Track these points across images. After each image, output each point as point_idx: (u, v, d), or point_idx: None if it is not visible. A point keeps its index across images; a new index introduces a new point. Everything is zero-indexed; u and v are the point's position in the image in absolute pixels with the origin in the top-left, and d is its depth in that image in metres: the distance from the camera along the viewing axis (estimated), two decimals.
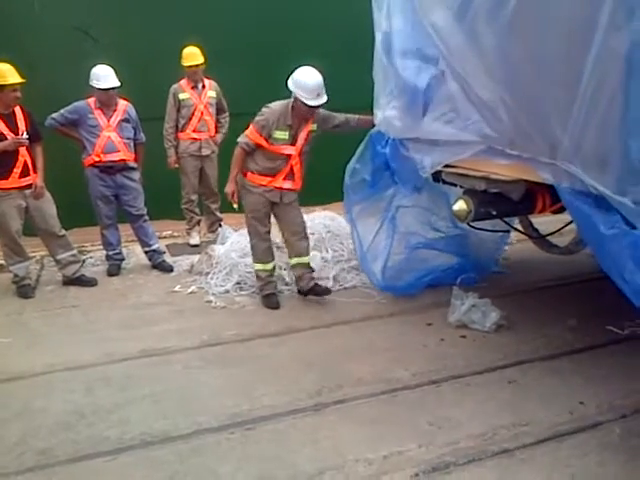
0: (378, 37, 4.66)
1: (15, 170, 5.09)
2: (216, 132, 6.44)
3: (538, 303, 4.88)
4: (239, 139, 4.75)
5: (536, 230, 5.45)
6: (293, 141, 4.69)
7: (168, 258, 6.03)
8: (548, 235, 5.26)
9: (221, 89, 6.42)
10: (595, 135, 2.99)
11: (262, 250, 4.94)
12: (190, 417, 3.37)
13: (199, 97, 6.25)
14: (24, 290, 5.32)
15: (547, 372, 3.81)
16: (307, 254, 5.00)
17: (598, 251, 3.23)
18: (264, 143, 4.64)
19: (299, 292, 5.11)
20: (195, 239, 6.63)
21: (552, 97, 3.20)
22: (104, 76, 5.47)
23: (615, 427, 3.19)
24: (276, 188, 4.77)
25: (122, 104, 5.69)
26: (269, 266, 4.98)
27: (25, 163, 5.14)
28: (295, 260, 4.99)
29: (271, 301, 4.97)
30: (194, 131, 6.31)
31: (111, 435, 3.22)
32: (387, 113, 4.61)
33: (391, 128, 4.61)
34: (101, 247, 6.09)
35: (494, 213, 4.22)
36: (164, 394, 3.64)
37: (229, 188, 4.74)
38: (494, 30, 3.49)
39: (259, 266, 4.98)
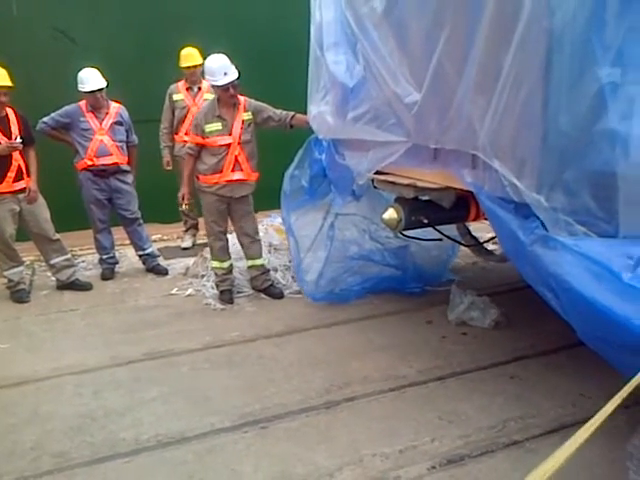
0: (312, 29, 4.67)
1: (9, 174, 5.06)
2: None
3: (534, 300, 4.98)
4: None
5: (474, 238, 5.18)
6: (229, 131, 4.81)
7: (162, 261, 6.02)
8: (484, 242, 5.17)
9: None
10: (513, 134, 2.94)
11: (218, 248, 5.09)
12: (203, 417, 3.40)
13: (193, 99, 6.25)
14: (19, 295, 5.27)
15: (547, 366, 3.92)
16: (260, 256, 5.18)
17: (518, 261, 3.17)
18: (201, 140, 4.81)
19: (253, 289, 5.28)
20: (187, 242, 6.63)
21: (471, 95, 3.11)
22: (88, 78, 5.47)
23: (620, 415, 3.29)
24: (227, 182, 4.86)
25: (114, 106, 5.68)
26: (225, 264, 5.12)
27: (19, 167, 5.11)
28: (250, 262, 5.18)
29: (226, 297, 5.11)
30: (187, 134, 6.31)
31: (127, 437, 3.23)
32: (321, 109, 4.62)
33: (323, 126, 4.61)
34: (92, 251, 6.09)
35: (426, 221, 4.17)
36: (174, 395, 3.66)
37: (181, 192, 5.00)
38: (414, 25, 3.45)
39: (216, 264, 5.13)
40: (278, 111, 5.01)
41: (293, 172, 4.96)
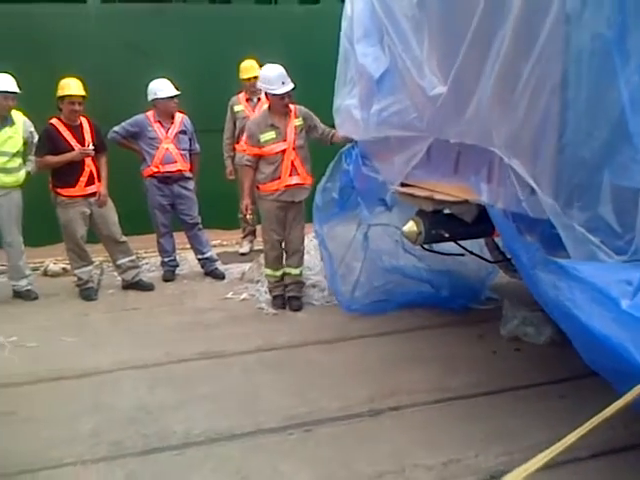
0: (343, 24, 4.74)
1: (81, 179, 5.37)
2: None
3: None
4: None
5: (502, 254, 4.88)
6: (283, 138, 4.92)
7: (220, 266, 6.22)
8: (508, 259, 4.77)
9: None
10: (531, 139, 2.88)
11: (273, 257, 5.21)
12: (250, 417, 3.52)
13: (253, 109, 6.44)
14: (87, 293, 5.57)
15: (600, 388, 3.82)
16: (297, 266, 5.26)
17: (526, 282, 3.08)
18: (258, 150, 4.94)
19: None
20: (245, 248, 6.82)
21: (492, 94, 3.08)
22: (162, 87, 5.75)
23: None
24: (286, 187, 4.97)
25: (179, 116, 5.94)
26: (278, 273, 5.24)
27: (90, 173, 5.41)
28: (287, 270, 5.27)
29: (278, 302, 5.25)
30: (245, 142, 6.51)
31: (178, 430, 3.38)
32: (346, 102, 4.66)
33: (346, 121, 4.65)
34: (155, 254, 6.34)
35: (447, 235, 4.10)
36: (224, 394, 3.80)
37: (243, 203, 5.16)
38: (445, 17, 3.43)
39: (269, 272, 5.27)
40: (323, 126, 5.17)
41: (325, 185, 5.06)
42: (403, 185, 4.20)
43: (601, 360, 2.59)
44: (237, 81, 6.50)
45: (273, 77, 4.85)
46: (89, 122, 5.48)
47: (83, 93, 5.32)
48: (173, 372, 4.09)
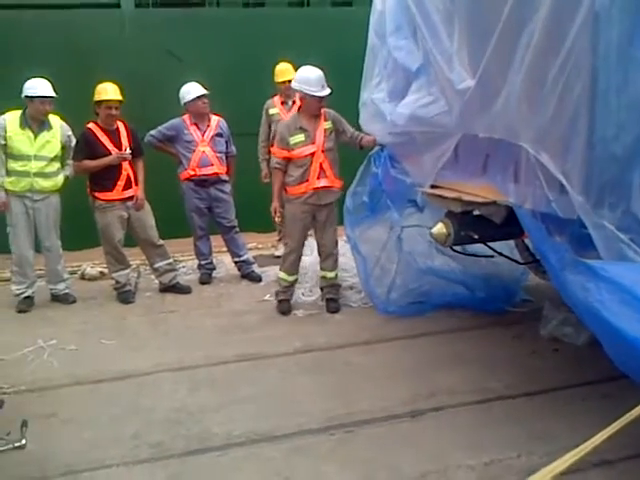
0: (372, 19, 4.72)
1: (119, 183, 5.44)
2: None
3: None
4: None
5: (532, 255, 4.75)
6: (312, 140, 4.91)
7: (256, 268, 6.23)
8: (538, 261, 4.60)
9: None
10: (561, 135, 2.84)
11: (290, 262, 5.19)
12: (290, 418, 3.51)
13: (287, 113, 6.44)
14: (125, 296, 5.64)
15: None
16: (332, 270, 5.23)
17: (555, 283, 3.06)
18: (288, 153, 4.94)
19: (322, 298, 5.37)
20: (280, 251, 6.78)
21: (522, 89, 3.04)
22: (190, 90, 5.81)
23: None
24: (314, 190, 4.96)
25: (214, 119, 5.97)
26: (291, 278, 5.23)
27: (128, 176, 5.48)
28: (322, 273, 5.28)
29: (284, 307, 5.23)
30: None
31: (219, 432, 3.39)
32: (374, 96, 4.62)
33: (371, 115, 4.62)
34: (192, 257, 6.39)
35: (476, 237, 4.05)
36: (264, 396, 3.80)
37: (273, 206, 5.10)
38: (476, 10, 3.39)
39: (283, 275, 5.24)
40: (352, 129, 5.14)
41: (355, 189, 5.06)
42: (432, 187, 4.16)
43: (630, 362, 2.54)
44: (272, 84, 6.50)
45: (313, 79, 4.85)
46: (126, 126, 5.55)
47: (120, 98, 5.40)
48: (212, 374, 4.11)
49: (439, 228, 4.05)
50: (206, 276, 6.11)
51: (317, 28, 7.75)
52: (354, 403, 3.66)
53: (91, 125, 5.43)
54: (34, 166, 5.32)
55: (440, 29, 3.73)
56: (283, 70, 6.45)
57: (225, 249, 6.26)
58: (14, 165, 5.30)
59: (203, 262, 6.12)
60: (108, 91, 5.35)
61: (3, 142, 5.23)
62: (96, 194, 5.45)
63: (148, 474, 3.07)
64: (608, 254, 2.73)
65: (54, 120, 5.47)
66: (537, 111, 2.96)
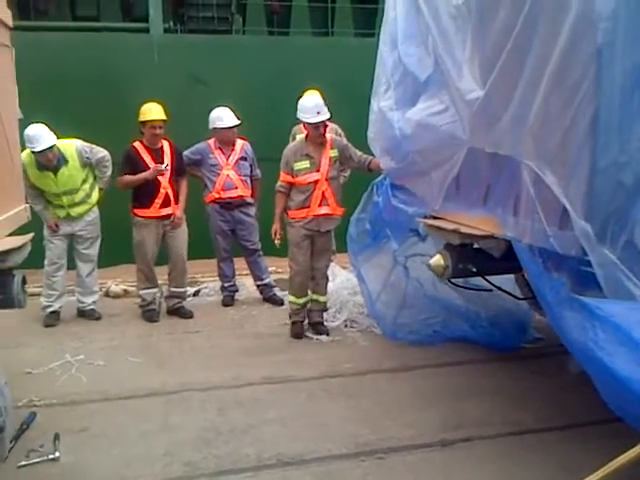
0: (382, 28, 4.77)
1: (156, 201, 5.50)
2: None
3: None
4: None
5: (532, 290, 4.53)
6: (317, 168, 4.97)
7: (278, 292, 6.26)
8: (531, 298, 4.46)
9: (345, 132, 6.47)
10: (566, 158, 2.80)
11: (297, 284, 5.23)
12: (320, 442, 3.51)
13: None
14: (150, 314, 5.67)
15: None
16: (323, 294, 5.30)
17: (550, 321, 3.00)
18: (291, 179, 5.00)
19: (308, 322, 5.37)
20: None
21: (530, 106, 2.99)
22: (223, 117, 5.89)
23: None
24: (314, 216, 5.01)
25: (239, 143, 6.05)
26: (301, 300, 5.24)
27: (166, 195, 5.54)
28: (314, 297, 5.29)
29: (297, 329, 5.25)
30: None
31: (250, 453, 3.39)
32: (381, 104, 4.62)
33: (380, 125, 4.60)
34: (214, 278, 6.44)
35: (474, 270, 3.97)
36: (292, 419, 3.80)
37: (273, 228, 5.15)
38: (489, 19, 3.31)
39: (292, 299, 5.28)
40: (359, 153, 5.21)
41: (359, 215, 5.10)
42: (432, 217, 4.13)
43: (625, 405, 2.50)
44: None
45: (308, 106, 4.95)
46: (170, 145, 5.62)
47: (163, 117, 5.49)
48: (239, 395, 4.12)
49: (437, 260, 3.99)
50: (229, 298, 6.14)
51: (341, 57, 7.90)
52: (383, 430, 3.66)
53: (136, 144, 5.54)
54: (65, 200, 5.44)
55: (452, 37, 3.69)
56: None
57: (247, 272, 6.30)
58: (48, 198, 5.45)
59: (226, 284, 6.16)
60: (152, 111, 5.46)
61: (28, 182, 5.15)
62: (135, 210, 5.54)
63: None
64: (608, 287, 2.69)
65: (68, 149, 5.41)
66: (544, 132, 2.91)
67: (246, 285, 6.49)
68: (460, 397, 4.11)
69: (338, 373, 4.48)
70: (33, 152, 5.18)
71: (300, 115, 5.01)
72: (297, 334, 5.23)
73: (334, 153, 5.07)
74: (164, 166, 5.46)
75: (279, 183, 5.15)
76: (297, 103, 6.51)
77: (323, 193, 5.01)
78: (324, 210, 5.04)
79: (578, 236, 2.71)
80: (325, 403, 4.02)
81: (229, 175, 5.95)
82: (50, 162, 5.29)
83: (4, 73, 3.90)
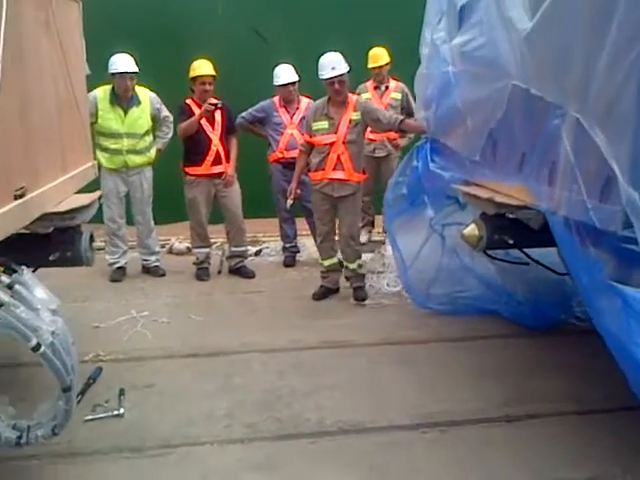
0: None
1: (207, 158, 5.50)
2: (400, 136, 6.34)
3: None
4: None
5: None
6: (335, 130, 4.80)
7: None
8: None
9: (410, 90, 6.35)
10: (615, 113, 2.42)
11: (322, 248, 5.21)
12: (381, 411, 3.47)
13: (380, 98, 6.35)
14: (200, 273, 5.75)
15: None
16: (353, 260, 5.11)
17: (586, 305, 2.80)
18: (309, 138, 4.91)
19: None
20: (363, 238, 6.72)
21: (582, 46, 2.60)
22: (281, 74, 5.78)
23: None
24: (329, 180, 4.87)
25: (304, 102, 5.93)
26: (326, 262, 5.21)
27: (217, 153, 5.53)
28: (345, 263, 5.17)
29: (320, 292, 5.24)
30: (371, 132, 6.42)
31: (311, 418, 3.40)
32: (435, 35, 4.38)
33: (432, 58, 4.39)
34: (276, 238, 6.44)
35: (511, 242, 3.74)
36: (352, 385, 3.78)
37: (290, 186, 5.15)
38: None
39: (320, 260, 5.28)
40: (388, 114, 5.00)
41: (397, 179, 4.91)
42: (469, 184, 3.92)
43: None
44: (365, 69, 6.42)
45: (324, 62, 4.80)
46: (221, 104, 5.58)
47: (213, 73, 5.44)
48: (300, 359, 4.13)
49: (471, 230, 3.80)
50: (290, 259, 6.14)
51: (409, 12, 7.55)
52: (445, 401, 3.59)
53: (188, 100, 5.53)
54: (126, 144, 5.44)
55: None
56: (376, 55, 6.36)
57: (308, 232, 6.26)
58: (106, 143, 5.43)
59: (288, 245, 6.16)
60: (202, 67, 5.42)
61: (94, 120, 5.26)
62: (186, 169, 5.56)
63: (242, 455, 3.10)
64: None
65: (143, 93, 5.53)
66: (596, 82, 2.50)
67: (307, 246, 6.48)
68: (523, 371, 3.99)
69: (397, 340, 4.42)
70: (114, 74, 5.28)
71: (319, 73, 4.86)
72: (317, 297, 5.19)
73: (356, 116, 4.86)
74: (214, 101, 5.37)
75: (300, 142, 5.14)
76: (366, 59, 6.41)
77: (339, 157, 4.85)
78: (338, 175, 4.88)
79: (624, 206, 2.35)
80: (385, 370, 3.98)
81: (293, 134, 5.87)
82: (126, 92, 5.36)
83: (71, 28, 3.90)
